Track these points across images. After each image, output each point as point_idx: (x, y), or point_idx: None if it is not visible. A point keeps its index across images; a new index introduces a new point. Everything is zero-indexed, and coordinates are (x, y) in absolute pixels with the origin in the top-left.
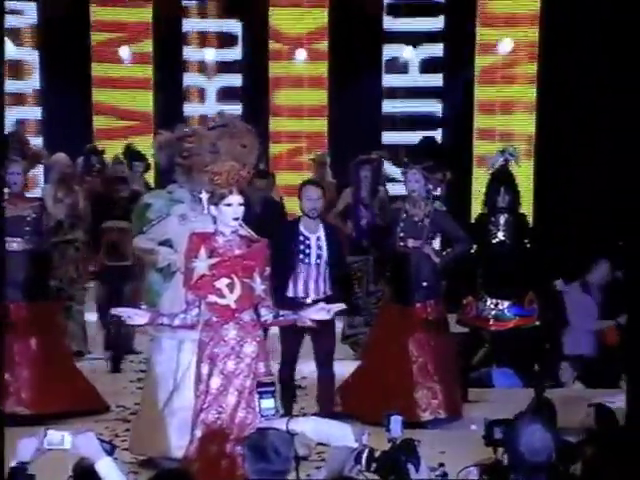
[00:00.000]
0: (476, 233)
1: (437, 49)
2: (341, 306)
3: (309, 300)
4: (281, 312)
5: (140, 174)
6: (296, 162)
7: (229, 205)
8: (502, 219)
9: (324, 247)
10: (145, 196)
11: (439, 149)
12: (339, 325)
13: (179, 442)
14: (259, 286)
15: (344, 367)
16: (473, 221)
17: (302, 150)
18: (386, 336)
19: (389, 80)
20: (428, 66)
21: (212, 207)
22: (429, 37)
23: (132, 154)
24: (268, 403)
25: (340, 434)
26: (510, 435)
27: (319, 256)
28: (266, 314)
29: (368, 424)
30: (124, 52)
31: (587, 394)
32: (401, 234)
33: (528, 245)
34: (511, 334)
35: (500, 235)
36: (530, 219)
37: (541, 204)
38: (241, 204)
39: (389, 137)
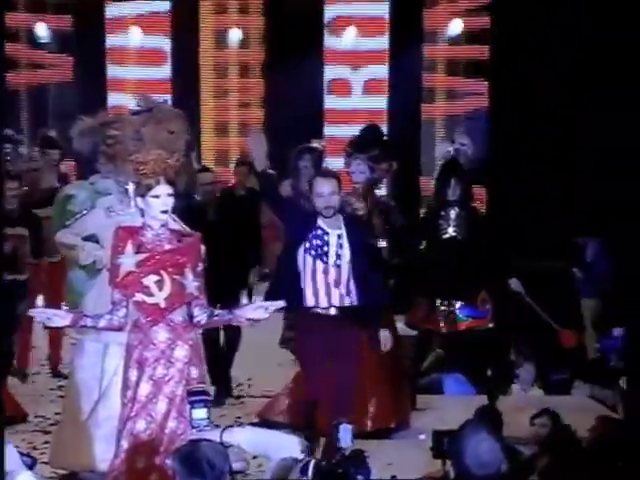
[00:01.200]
0: (425, 228)
1: (382, 40)
2: (280, 304)
3: (332, 311)
4: (215, 311)
5: (56, 164)
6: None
7: (156, 197)
8: (453, 213)
9: (346, 247)
10: (66, 187)
11: (385, 137)
12: (278, 326)
13: (104, 454)
14: (191, 283)
15: (283, 373)
16: (422, 215)
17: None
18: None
19: (331, 71)
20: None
21: (138, 199)
22: (374, 24)
23: (44, 141)
24: (200, 413)
25: (283, 445)
26: (455, 446)
27: (339, 256)
28: (199, 314)
29: (311, 434)
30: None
31: (545, 401)
32: None
33: (481, 241)
34: (463, 337)
35: (450, 230)
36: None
37: (495, 197)
38: (170, 195)
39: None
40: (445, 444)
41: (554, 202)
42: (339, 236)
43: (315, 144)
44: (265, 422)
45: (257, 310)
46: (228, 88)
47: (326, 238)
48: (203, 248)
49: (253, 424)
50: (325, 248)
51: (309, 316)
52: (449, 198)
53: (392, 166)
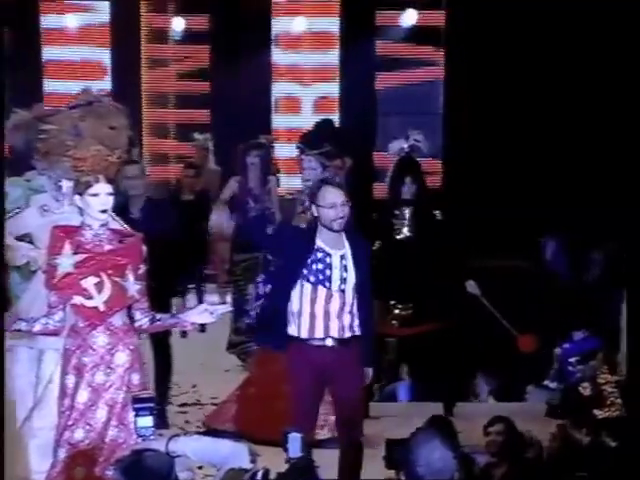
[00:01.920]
0: (379, 228)
1: (332, 23)
2: (227, 307)
3: (330, 342)
4: (158, 315)
5: None
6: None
7: (95, 195)
8: (407, 212)
9: (351, 268)
10: None
11: (338, 132)
12: (225, 330)
13: (40, 466)
14: (132, 286)
15: (231, 379)
16: (375, 215)
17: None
18: None
19: (279, 57)
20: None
21: (76, 197)
22: (324, 7)
23: None
24: (145, 421)
25: (231, 454)
26: (407, 455)
27: (344, 280)
28: (141, 318)
29: (259, 443)
30: None
31: (500, 408)
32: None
33: (437, 241)
34: (418, 341)
35: (405, 230)
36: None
37: (452, 195)
38: (110, 194)
39: (281, 121)
40: (398, 453)
41: (513, 200)
42: (342, 257)
43: (263, 139)
44: (212, 431)
45: (203, 314)
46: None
47: (328, 260)
48: (145, 249)
49: (200, 433)
50: (328, 272)
51: (303, 348)
52: (403, 197)
53: (345, 163)
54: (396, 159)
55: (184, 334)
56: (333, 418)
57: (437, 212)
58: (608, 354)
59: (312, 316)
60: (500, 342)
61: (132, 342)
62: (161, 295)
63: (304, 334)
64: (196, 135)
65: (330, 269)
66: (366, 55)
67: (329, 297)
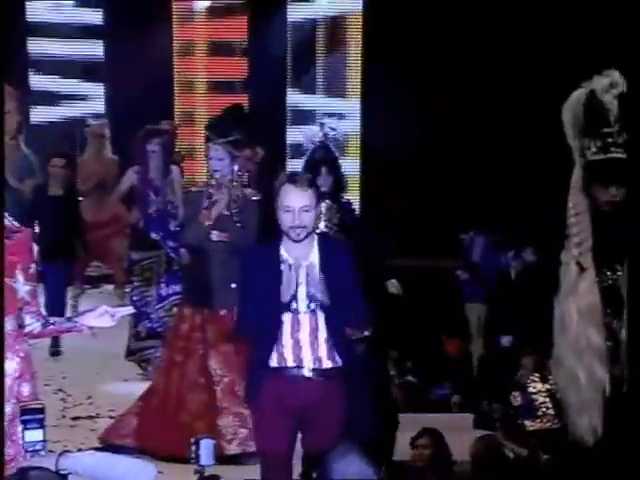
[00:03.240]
0: None
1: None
2: (129, 309)
3: (307, 372)
4: (51, 319)
5: None
6: None
7: None
8: (323, 207)
9: (320, 282)
10: None
11: (248, 119)
12: (124, 336)
13: None
14: (22, 287)
15: (130, 390)
16: None
17: None
18: (182, 350)
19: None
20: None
21: None
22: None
23: None
24: (34, 435)
25: (129, 472)
26: (322, 471)
27: (312, 298)
28: (32, 322)
29: (162, 460)
30: None
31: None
32: (204, 224)
33: (355, 238)
34: None
35: (321, 226)
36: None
37: (370, 188)
38: None
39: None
40: (315, 468)
41: (436, 195)
42: (309, 267)
43: (165, 125)
44: (109, 447)
45: (102, 316)
46: None
47: (293, 274)
48: (35, 246)
49: (95, 449)
50: (292, 289)
51: (271, 380)
52: (320, 189)
53: (257, 153)
54: (310, 148)
55: (56, 353)
56: (245, 431)
57: (356, 206)
58: (538, 361)
59: (278, 343)
60: (424, 347)
61: (22, 349)
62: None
63: (275, 363)
64: (91, 121)
65: (297, 285)
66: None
67: (296, 322)
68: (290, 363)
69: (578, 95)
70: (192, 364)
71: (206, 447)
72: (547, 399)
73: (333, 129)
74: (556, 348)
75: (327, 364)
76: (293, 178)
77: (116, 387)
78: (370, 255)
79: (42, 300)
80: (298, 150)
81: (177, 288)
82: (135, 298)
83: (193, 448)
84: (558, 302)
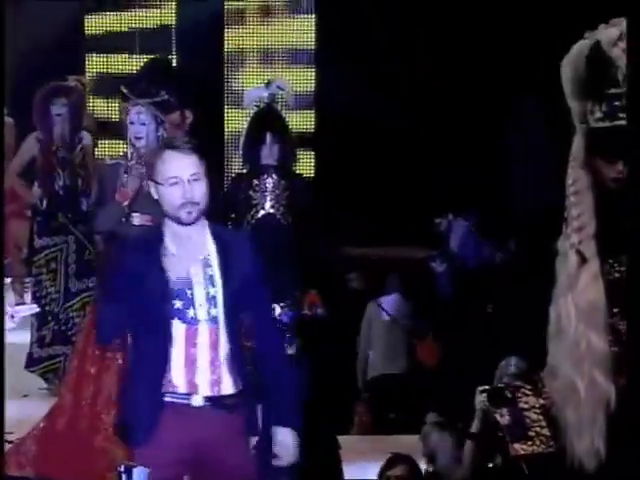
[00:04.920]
0: (231, 205)
1: None
2: (33, 308)
3: (197, 400)
4: None
5: None
6: None
7: None
8: (269, 182)
9: (219, 281)
10: None
11: (177, 76)
12: (24, 341)
13: None
14: None
15: (31, 408)
16: (227, 186)
17: None
18: (97, 359)
19: None
20: None
21: None
22: None
23: None
24: None
25: None
26: None
27: (211, 301)
28: None
29: None
30: None
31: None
32: (122, 205)
33: (308, 221)
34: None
35: (267, 206)
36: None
37: (327, 161)
38: None
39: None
40: None
41: (410, 170)
42: (206, 262)
43: (72, 82)
44: (5, 478)
45: None
46: None
47: (183, 276)
48: None
49: None
50: (188, 293)
51: (164, 406)
52: (263, 162)
53: (186, 117)
54: (253, 112)
55: None
56: None
57: (309, 183)
58: (529, 370)
59: (165, 362)
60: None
61: None
62: None
63: (165, 387)
64: None
65: (190, 288)
66: None
67: (193, 333)
68: (181, 390)
69: (580, 47)
70: (109, 376)
71: (140, 477)
72: (541, 417)
73: (282, 88)
74: (551, 355)
75: (228, 389)
76: (172, 142)
77: (13, 405)
78: (325, 244)
79: None
80: (238, 114)
81: (89, 283)
82: (38, 294)
83: (123, 478)
84: (554, 300)
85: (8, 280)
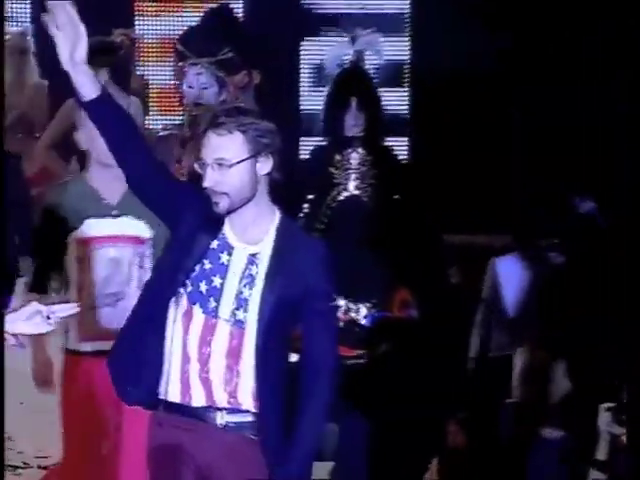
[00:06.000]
0: (309, 184)
1: None
2: (73, 307)
3: (217, 418)
4: None
5: None
6: None
7: None
8: (354, 158)
9: (260, 285)
10: None
11: (242, 29)
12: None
13: None
14: None
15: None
16: (302, 163)
17: None
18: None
19: None
20: None
21: None
22: None
23: None
24: None
25: None
26: None
27: (241, 303)
28: None
29: None
30: None
31: None
32: None
33: (401, 204)
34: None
35: (351, 186)
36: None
37: (424, 131)
38: None
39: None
40: None
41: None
42: (252, 259)
43: (118, 36)
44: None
45: (33, 319)
46: None
47: (223, 259)
48: None
49: None
50: (214, 281)
51: (165, 423)
52: (347, 133)
53: (252, 78)
54: (335, 73)
55: None
56: None
57: (403, 156)
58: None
59: (184, 362)
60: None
61: None
62: None
63: (173, 395)
64: (7, 29)
65: (222, 277)
66: None
67: (210, 328)
68: (196, 400)
69: None
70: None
71: None
72: None
73: (371, 45)
74: None
75: (245, 405)
76: (214, 118)
77: (48, 424)
78: (423, 230)
79: None
80: (318, 75)
81: None
82: None
83: None
84: None
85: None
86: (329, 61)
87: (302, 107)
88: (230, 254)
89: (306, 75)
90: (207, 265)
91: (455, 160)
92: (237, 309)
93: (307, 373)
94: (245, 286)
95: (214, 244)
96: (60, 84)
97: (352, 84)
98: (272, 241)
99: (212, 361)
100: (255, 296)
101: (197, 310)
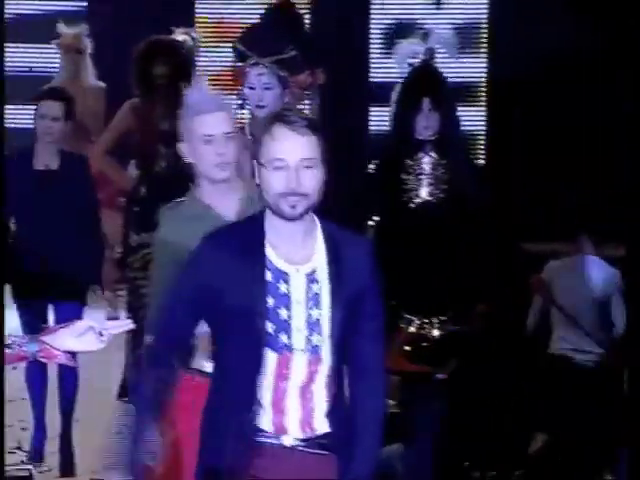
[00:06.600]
0: (379, 191)
1: None
2: (126, 324)
3: (288, 440)
4: (8, 338)
5: None
6: None
7: None
8: (426, 162)
9: (326, 300)
10: None
11: (305, 26)
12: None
13: None
14: None
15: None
16: (372, 166)
17: None
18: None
19: None
20: None
21: None
22: None
23: None
24: None
25: None
26: None
27: (313, 326)
28: None
29: None
30: None
31: None
32: None
33: (477, 210)
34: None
35: (423, 192)
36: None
37: (501, 135)
38: None
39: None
40: None
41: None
42: (311, 277)
43: (180, 35)
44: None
45: (85, 335)
46: None
47: (283, 289)
48: None
49: None
50: (283, 315)
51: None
52: (419, 135)
53: (317, 77)
54: (406, 71)
55: None
56: None
57: (479, 161)
58: None
59: (249, 395)
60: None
61: None
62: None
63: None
64: (62, 28)
65: (287, 307)
66: None
67: (284, 364)
68: (267, 428)
69: None
70: None
71: None
72: None
73: (443, 41)
74: None
75: (322, 427)
76: (285, 115)
77: (104, 442)
78: (500, 239)
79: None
80: (385, 75)
81: None
82: (134, 305)
83: None
84: None
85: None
86: (399, 59)
87: (369, 105)
88: (287, 281)
89: (374, 73)
90: (270, 301)
91: (534, 163)
92: (311, 335)
93: (358, 377)
94: (312, 307)
95: (269, 276)
96: (118, 86)
97: (424, 84)
98: (324, 251)
99: (288, 396)
100: (325, 314)
101: (269, 354)
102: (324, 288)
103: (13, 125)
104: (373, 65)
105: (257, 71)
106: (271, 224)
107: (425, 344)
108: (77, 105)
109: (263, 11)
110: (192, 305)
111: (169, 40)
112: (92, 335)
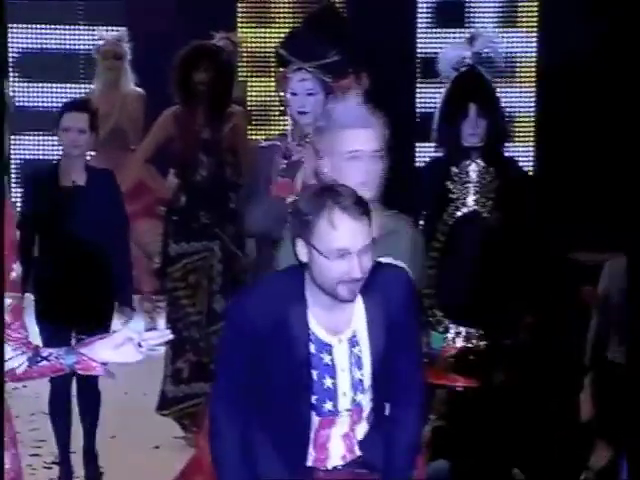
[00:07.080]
0: (424, 199)
1: None
2: (166, 334)
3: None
4: (45, 351)
5: None
6: None
7: None
8: (473, 170)
9: (367, 359)
10: None
11: (350, 28)
12: (155, 379)
13: None
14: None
15: (162, 461)
16: (416, 176)
17: None
18: None
19: None
20: None
21: None
22: None
23: None
24: None
25: None
26: None
27: (357, 386)
28: (15, 356)
29: None
30: None
31: None
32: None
33: (525, 221)
34: (489, 396)
35: (470, 201)
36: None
37: (552, 141)
38: None
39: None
40: None
41: None
42: (353, 342)
43: (220, 39)
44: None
45: (123, 346)
46: None
47: (327, 360)
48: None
49: None
50: (328, 383)
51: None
52: (465, 143)
53: (362, 80)
54: (452, 77)
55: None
56: None
57: (528, 168)
58: None
59: (299, 439)
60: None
61: None
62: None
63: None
64: (102, 33)
65: (331, 376)
66: None
67: (329, 424)
68: (310, 464)
69: None
70: None
71: None
72: None
73: (491, 46)
74: None
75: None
76: (340, 200)
77: (143, 457)
78: (550, 249)
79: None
80: (431, 81)
81: None
82: (174, 316)
83: None
84: None
85: (136, 297)
86: (444, 64)
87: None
88: (330, 352)
89: (420, 79)
90: (314, 373)
91: (587, 170)
92: (355, 394)
93: (398, 397)
94: (355, 370)
95: (312, 348)
96: (157, 93)
97: (470, 89)
98: (363, 311)
99: (332, 440)
100: (367, 371)
101: (314, 417)
102: (364, 348)
103: None
104: (419, 71)
105: (299, 76)
106: (313, 292)
107: (471, 357)
108: (116, 112)
109: (306, 14)
110: (248, 368)
111: (210, 45)
112: (131, 346)
